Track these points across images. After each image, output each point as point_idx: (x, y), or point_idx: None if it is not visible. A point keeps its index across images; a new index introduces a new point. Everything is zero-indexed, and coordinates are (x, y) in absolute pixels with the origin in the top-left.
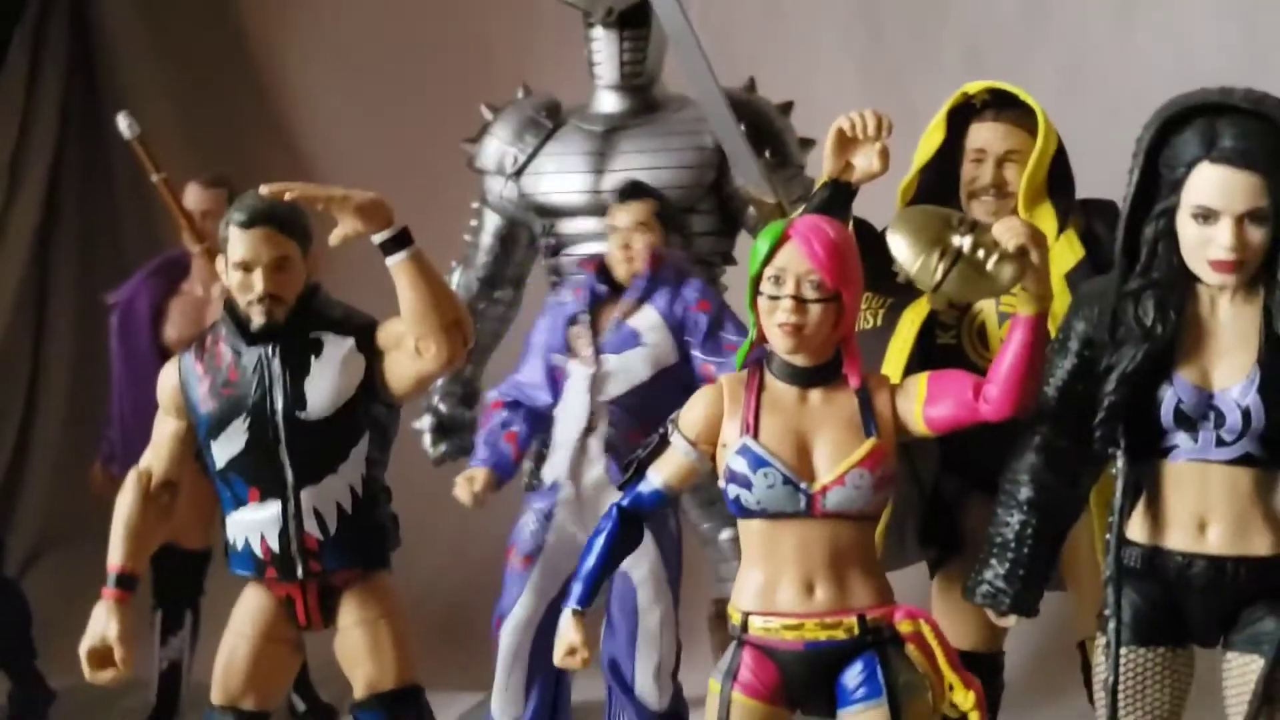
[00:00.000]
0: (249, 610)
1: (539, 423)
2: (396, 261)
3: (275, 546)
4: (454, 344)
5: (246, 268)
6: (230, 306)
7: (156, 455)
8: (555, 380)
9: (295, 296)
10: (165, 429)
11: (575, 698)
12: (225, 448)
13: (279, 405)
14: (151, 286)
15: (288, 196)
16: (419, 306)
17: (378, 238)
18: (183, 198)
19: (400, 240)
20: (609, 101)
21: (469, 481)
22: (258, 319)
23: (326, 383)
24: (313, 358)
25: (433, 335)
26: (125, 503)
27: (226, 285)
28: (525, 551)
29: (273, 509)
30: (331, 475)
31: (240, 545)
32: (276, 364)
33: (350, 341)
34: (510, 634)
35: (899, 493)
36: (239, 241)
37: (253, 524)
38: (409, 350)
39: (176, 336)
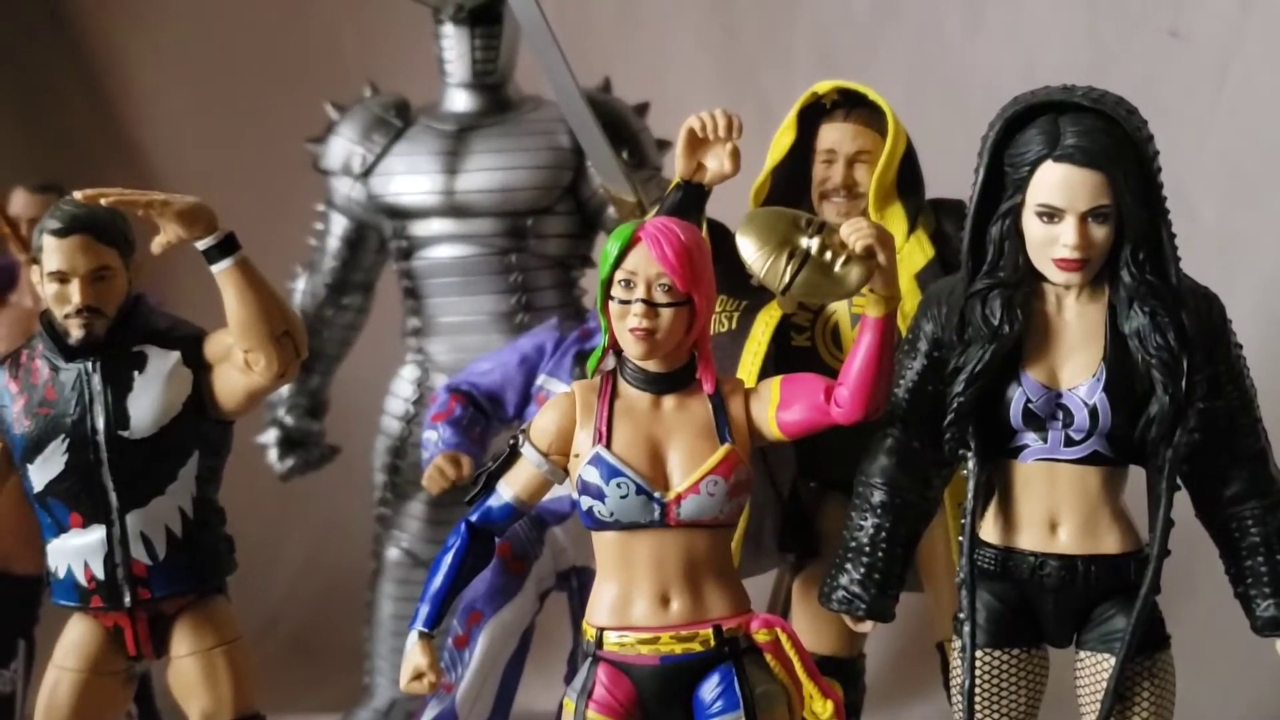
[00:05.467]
0: (73, 642)
1: (488, 421)
2: (221, 269)
3: (100, 574)
4: (285, 356)
5: (63, 278)
6: (47, 320)
7: None
8: (529, 394)
9: (116, 308)
10: None
11: (533, 707)
12: (43, 471)
13: (100, 424)
14: None
15: (104, 202)
16: (246, 317)
17: (201, 244)
18: (8, 204)
19: (225, 247)
20: (460, 100)
21: (454, 466)
22: (76, 333)
23: (150, 399)
24: (135, 373)
25: (262, 347)
26: None
27: (42, 297)
28: (518, 554)
29: (96, 534)
30: (159, 497)
31: (63, 573)
32: (97, 380)
33: (176, 355)
34: (496, 638)
35: (755, 498)
36: (54, 251)
37: (75, 551)
38: (238, 363)
39: (4, 351)
